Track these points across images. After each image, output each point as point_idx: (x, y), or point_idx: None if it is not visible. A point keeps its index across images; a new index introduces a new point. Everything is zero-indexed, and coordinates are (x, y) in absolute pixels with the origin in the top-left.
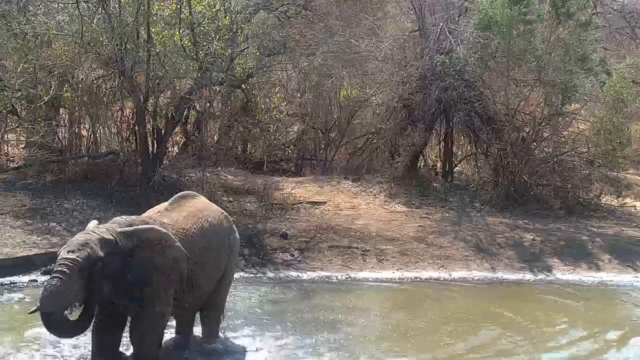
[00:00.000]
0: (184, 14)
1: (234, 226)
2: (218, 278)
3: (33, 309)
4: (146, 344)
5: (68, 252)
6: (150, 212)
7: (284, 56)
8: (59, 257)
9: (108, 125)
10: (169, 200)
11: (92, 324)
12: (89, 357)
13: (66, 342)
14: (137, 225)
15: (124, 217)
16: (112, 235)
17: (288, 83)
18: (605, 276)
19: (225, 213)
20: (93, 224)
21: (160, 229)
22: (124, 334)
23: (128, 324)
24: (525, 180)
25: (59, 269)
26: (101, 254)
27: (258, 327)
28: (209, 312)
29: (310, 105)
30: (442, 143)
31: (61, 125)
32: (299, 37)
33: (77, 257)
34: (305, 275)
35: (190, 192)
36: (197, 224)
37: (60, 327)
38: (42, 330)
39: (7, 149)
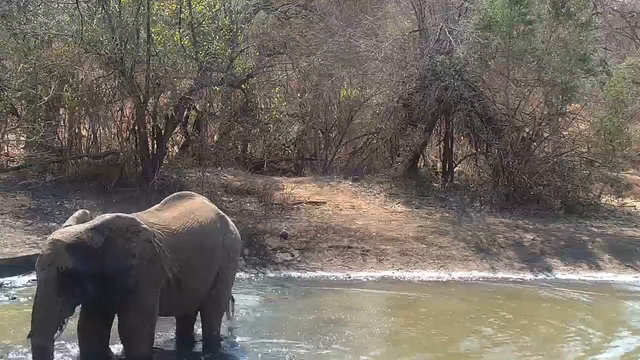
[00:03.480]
0: (184, 14)
1: (232, 226)
2: (212, 278)
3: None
4: (136, 341)
5: (40, 271)
6: (141, 212)
7: (284, 56)
8: (37, 278)
9: (108, 125)
10: (162, 201)
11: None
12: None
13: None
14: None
15: (106, 215)
16: (81, 237)
17: (288, 83)
18: (606, 276)
19: (222, 213)
20: (78, 214)
21: (126, 215)
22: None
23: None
24: (525, 180)
25: (37, 294)
26: (71, 264)
27: (258, 327)
28: (208, 311)
29: (310, 105)
30: (442, 143)
31: (61, 125)
32: (299, 37)
33: (47, 278)
34: (306, 275)
35: (188, 192)
36: (186, 224)
37: None
38: None
39: (7, 149)
